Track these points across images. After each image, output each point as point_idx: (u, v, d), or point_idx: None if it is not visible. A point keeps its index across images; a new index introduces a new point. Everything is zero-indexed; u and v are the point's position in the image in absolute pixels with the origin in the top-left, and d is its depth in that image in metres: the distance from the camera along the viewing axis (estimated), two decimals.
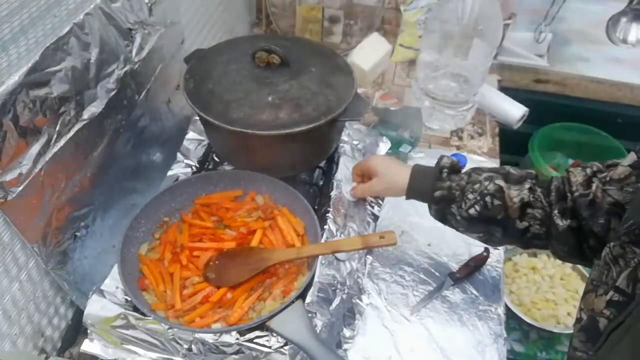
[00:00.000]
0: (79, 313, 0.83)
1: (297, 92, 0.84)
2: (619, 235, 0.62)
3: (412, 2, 1.42)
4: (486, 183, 0.76)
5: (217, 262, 0.81)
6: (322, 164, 1.02)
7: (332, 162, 1.01)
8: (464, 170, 0.82)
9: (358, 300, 0.88)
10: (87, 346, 0.76)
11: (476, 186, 0.77)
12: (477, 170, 0.80)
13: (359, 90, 0.97)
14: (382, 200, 1.05)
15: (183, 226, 0.88)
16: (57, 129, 0.73)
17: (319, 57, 0.93)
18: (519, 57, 1.66)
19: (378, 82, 1.44)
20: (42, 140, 0.71)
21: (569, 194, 0.73)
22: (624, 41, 1.50)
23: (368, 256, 0.95)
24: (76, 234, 0.82)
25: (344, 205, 0.92)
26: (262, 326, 0.71)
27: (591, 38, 1.75)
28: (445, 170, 0.81)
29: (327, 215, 0.88)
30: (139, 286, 0.80)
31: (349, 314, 0.85)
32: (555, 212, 0.74)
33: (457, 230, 0.82)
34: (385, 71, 1.46)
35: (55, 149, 0.73)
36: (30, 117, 0.68)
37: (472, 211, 0.76)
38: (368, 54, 1.39)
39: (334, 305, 0.79)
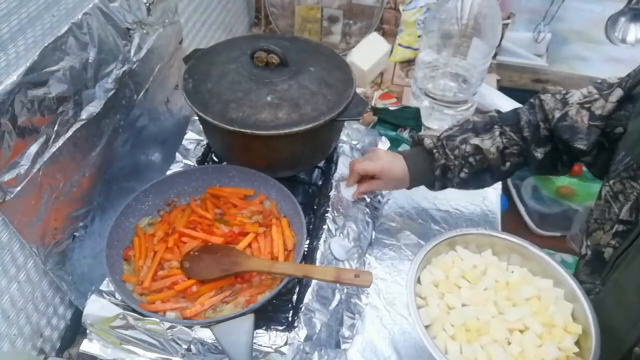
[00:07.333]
0: (77, 313, 0.83)
1: (296, 92, 0.84)
2: (618, 172, 0.70)
3: (411, 1, 1.42)
4: (463, 147, 0.86)
5: (196, 253, 0.81)
6: (321, 163, 1.02)
7: (331, 162, 1.01)
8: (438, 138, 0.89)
9: (357, 300, 0.88)
10: (86, 346, 0.76)
11: (456, 152, 0.86)
12: (450, 137, 0.88)
13: (358, 90, 0.97)
14: (382, 200, 1.05)
15: (187, 210, 0.88)
16: (55, 128, 0.73)
17: (318, 57, 0.93)
18: (518, 56, 1.66)
19: (377, 82, 1.44)
20: (41, 140, 0.71)
21: (542, 123, 0.82)
22: (623, 41, 1.50)
23: (367, 256, 0.95)
24: (75, 234, 0.82)
25: (343, 205, 0.92)
26: (261, 326, 0.71)
27: (590, 38, 1.75)
28: (435, 150, 0.88)
29: (326, 215, 0.88)
30: (124, 254, 0.81)
31: (348, 314, 0.85)
32: (532, 146, 0.84)
33: (458, 189, 0.92)
34: (384, 71, 1.46)
35: (53, 149, 0.73)
36: (28, 117, 0.67)
37: (462, 175, 0.87)
38: (367, 53, 1.39)
39: (333, 305, 0.79)
